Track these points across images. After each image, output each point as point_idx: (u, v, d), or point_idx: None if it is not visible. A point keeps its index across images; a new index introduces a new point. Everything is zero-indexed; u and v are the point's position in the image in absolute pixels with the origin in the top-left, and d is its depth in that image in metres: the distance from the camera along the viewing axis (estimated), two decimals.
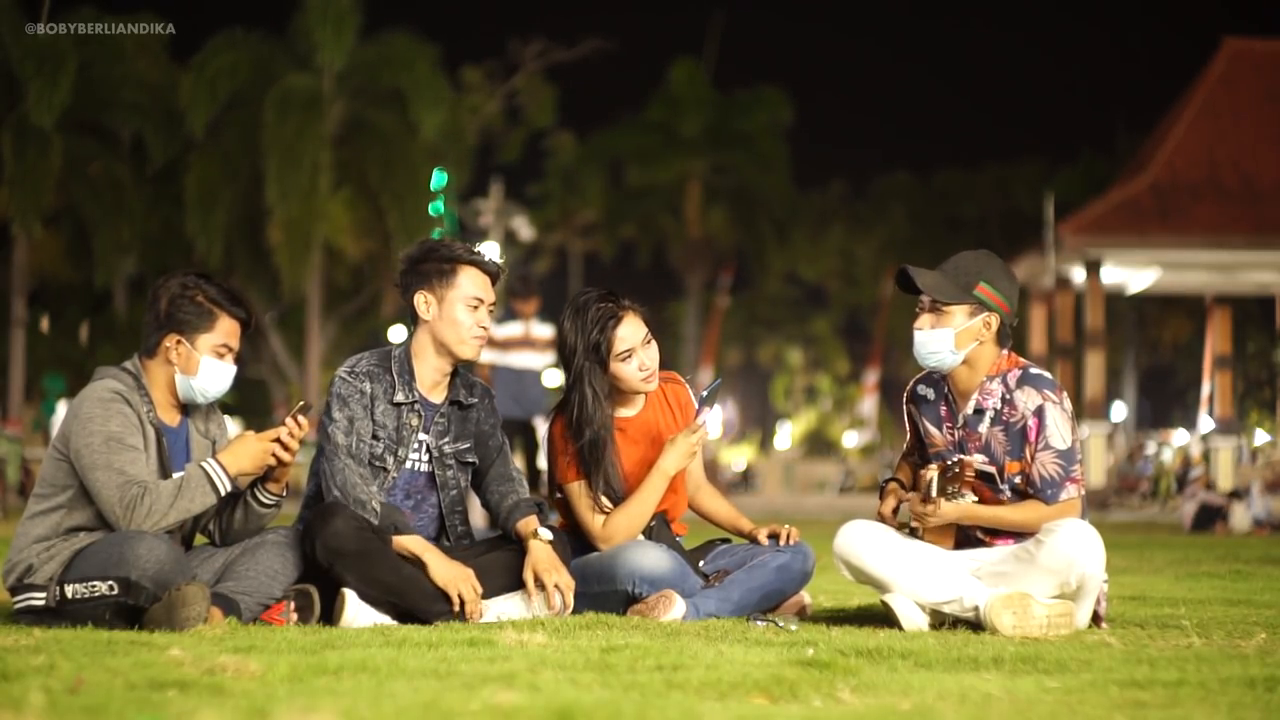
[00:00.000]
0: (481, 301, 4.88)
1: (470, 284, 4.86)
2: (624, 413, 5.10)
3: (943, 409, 4.74)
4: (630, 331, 4.97)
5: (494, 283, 4.94)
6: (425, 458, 4.90)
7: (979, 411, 4.63)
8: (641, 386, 5.03)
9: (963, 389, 4.68)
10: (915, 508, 4.59)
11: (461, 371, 5.02)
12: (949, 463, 4.51)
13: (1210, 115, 26.32)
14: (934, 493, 4.47)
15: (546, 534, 4.80)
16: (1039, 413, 4.54)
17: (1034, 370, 4.63)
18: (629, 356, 4.97)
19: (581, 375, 4.96)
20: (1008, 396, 4.59)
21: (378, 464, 4.80)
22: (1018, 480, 4.59)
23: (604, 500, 4.99)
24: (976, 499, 4.55)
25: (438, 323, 4.86)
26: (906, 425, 4.91)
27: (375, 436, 4.80)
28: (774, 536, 5.07)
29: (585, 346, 4.95)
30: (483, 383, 5.13)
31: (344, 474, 4.71)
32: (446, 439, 4.93)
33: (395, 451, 4.83)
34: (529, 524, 4.83)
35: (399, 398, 4.84)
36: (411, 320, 4.95)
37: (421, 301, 4.87)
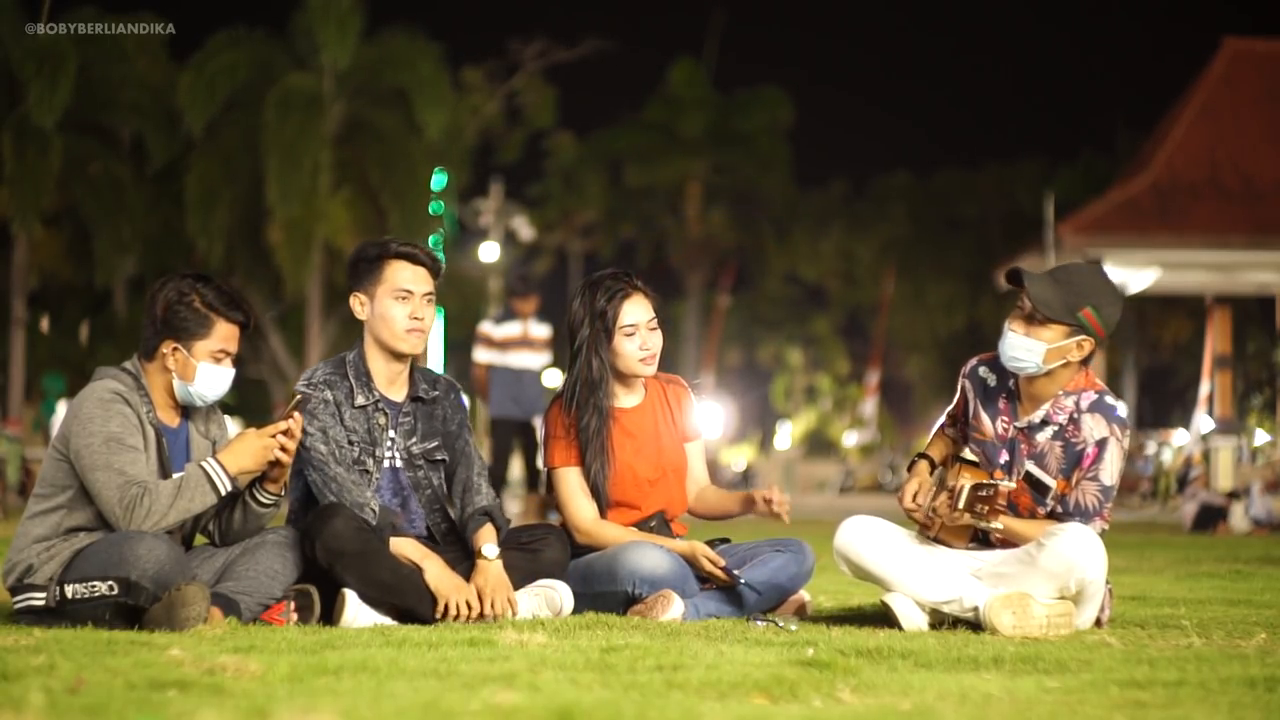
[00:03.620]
0: (411, 293, 4.83)
1: (397, 276, 4.83)
2: (622, 403, 5.12)
3: (1002, 402, 4.68)
4: (637, 309, 5.02)
5: (433, 274, 4.89)
6: (399, 456, 4.89)
7: (1045, 422, 4.59)
8: (639, 368, 5.04)
9: (1035, 394, 4.61)
10: (940, 510, 4.54)
11: (419, 367, 5.00)
12: (984, 483, 4.45)
13: (1210, 115, 26.32)
14: (961, 505, 4.45)
15: (492, 552, 4.74)
16: (1101, 444, 4.52)
17: (1109, 400, 4.58)
18: (632, 333, 5.01)
19: (587, 344, 5.00)
20: (1075, 416, 4.55)
21: (359, 468, 4.78)
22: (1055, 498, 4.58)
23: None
24: (1000, 526, 4.50)
25: (372, 321, 4.86)
26: (956, 397, 4.83)
27: (350, 441, 4.79)
28: (767, 501, 5.00)
29: (592, 315, 4.99)
30: (446, 378, 5.10)
31: (337, 481, 4.70)
32: (414, 439, 4.91)
33: (373, 453, 4.82)
34: (477, 540, 4.80)
35: (360, 400, 4.83)
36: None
37: (356, 303, 4.88)
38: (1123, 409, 4.61)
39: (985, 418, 4.70)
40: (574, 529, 5.04)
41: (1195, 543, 12.56)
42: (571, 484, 5.04)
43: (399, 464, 4.89)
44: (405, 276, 4.84)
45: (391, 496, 4.87)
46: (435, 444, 4.95)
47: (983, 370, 4.77)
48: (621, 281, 5.05)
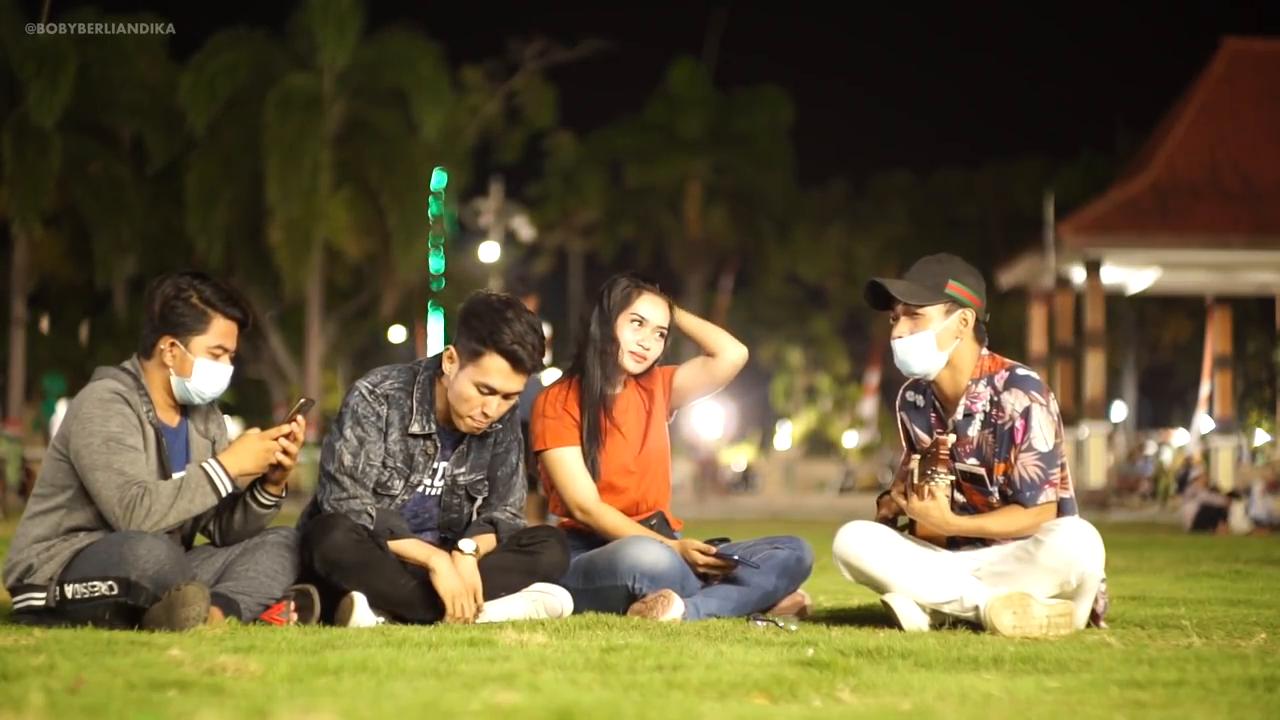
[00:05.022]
0: (494, 390, 4.65)
1: (492, 370, 4.63)
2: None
3: (932, 416, 4.72)
4: (654, 310, 5.11)
5: (529, 375, 4.67)
6: (439, 484, 4.83)
7: (968, 415, 4.61)
8: (625, 360, 5.09)
9: (949, 393, 4.65)
10: (899, 503, 4.59)
11: None
12: (925, 449, 4.52)
13: (1210, 115, 26.34)
14: (916, 479, 4.49)
15: (468, 546, 4.68)
16: (1025, 414, 4.52)
17: (1021, 371, 4.61)
18: (638, 323, 5.07)
19: (596, 317, 5.07)
20: (995, 399, 4.57)
21: (382, 490, 4.72)
22: (1002, 481, 4.59)
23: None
24: (953, 477, 4.54)
25: (452, 385, 4.69)
26: (901, 434, 4.90)
27: (384, 464, 4.72)
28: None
29: (614, 292, 5.08)
30: None
31: (339, 492, 4.67)
32: (463, 468, 4.83)
33: (407, 477, 4.76)
34: (467, 534, 4.75)
35: (415, 429, 4.73)
36: None
37: (447, 356, 4.71)
38: (1037, 376, 4.63)
39: (923, 436, 4.74)
40: (575, 508, 5.04)
41: (1195, 543, 12.57)
42: (570, 464, 5.05)
43: (434, 490, 4.82)
44: (499, 376, 4.63)
45: (410, 519, 4.80)
46: (481, 477, 4.86)
47: (909, 395, 4.83)
48: (653, 283, 5.14)
